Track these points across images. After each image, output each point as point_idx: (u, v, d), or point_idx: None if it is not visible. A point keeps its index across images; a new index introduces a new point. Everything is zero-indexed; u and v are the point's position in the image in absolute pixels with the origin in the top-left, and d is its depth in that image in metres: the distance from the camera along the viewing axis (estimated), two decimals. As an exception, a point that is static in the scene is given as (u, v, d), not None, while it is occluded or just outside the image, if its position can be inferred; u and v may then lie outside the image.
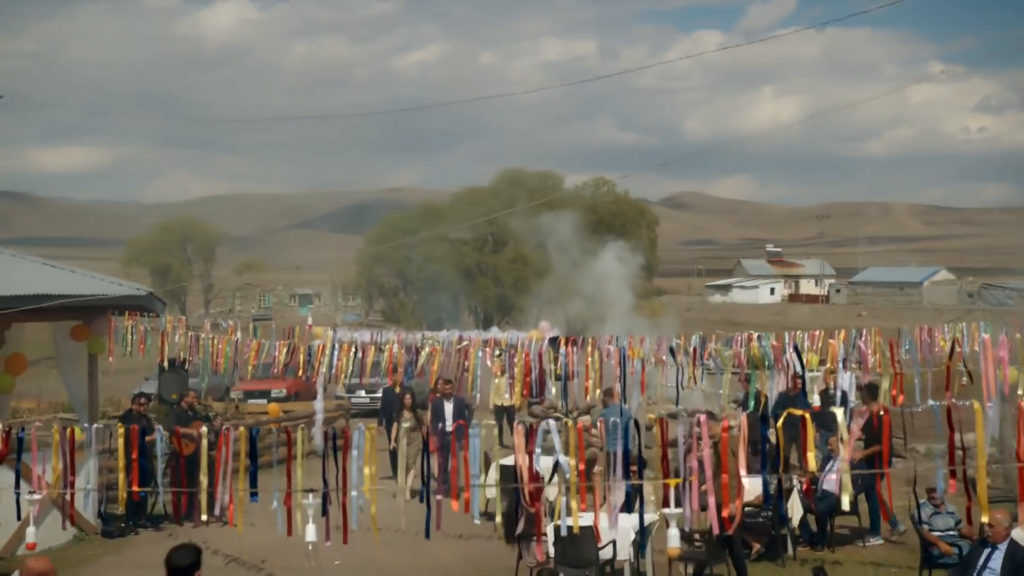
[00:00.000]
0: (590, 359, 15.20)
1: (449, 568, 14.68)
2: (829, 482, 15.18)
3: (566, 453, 6.79)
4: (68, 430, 10.77)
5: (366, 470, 8.16)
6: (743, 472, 6.03)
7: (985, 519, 5.67)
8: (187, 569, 7.54)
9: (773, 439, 16.80)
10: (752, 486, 15.13)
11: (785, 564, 14.19)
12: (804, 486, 15.39)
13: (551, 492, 16.51)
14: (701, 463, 6.84)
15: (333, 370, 13.50)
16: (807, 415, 8.01)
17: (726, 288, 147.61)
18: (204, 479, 9.94)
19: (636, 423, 6.80)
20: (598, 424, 10.11)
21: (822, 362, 20.50)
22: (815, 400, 19.98)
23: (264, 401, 30.49)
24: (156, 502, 17.86)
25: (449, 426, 18.83)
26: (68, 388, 16.95)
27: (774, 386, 19.54)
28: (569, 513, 7.13)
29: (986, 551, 11.01)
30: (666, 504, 6.74)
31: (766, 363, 15.60)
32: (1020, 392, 13.11)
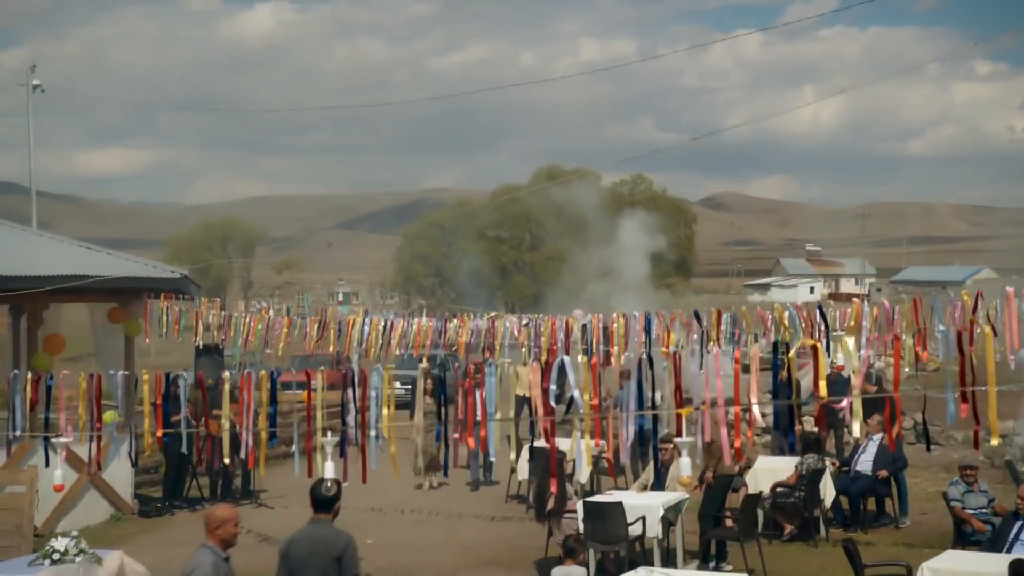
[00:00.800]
0: (615, 328, 15.12)
1: (481, 548, 14.73)
2: (862, 463, 15.10)
3: (581, 390, 6.81)
4: (95, 377, 10.92)
5: (384, 411, 8.21)
6: (755, 402, 6.00)
7: (995, 442, 5.63)
8: (330, 500, 8.15)
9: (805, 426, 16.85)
10: (783, 465, 15.16)
11: (817, 545, 14.12)
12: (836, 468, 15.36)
13: (583, 475, 16.63)
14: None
15: (363, 344, 13.50)
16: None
17: (765, 287, 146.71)
18: (226, 422, 10.01)
19: (650, 360, 6.77)
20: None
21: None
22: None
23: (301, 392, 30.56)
24: (191, 485, 18.09)
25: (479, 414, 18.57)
26: (105, 371, 17.17)
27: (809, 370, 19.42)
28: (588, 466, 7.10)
29: (1018, 523, 10.91)
30: (679, 434, 6.74)
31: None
32: None
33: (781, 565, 13.05)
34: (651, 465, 14.17)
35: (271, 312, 14.62)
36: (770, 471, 15.13)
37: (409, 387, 25.31)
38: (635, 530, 12.49)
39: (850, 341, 23.61)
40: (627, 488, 14.75)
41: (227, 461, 10.22)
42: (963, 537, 12.65)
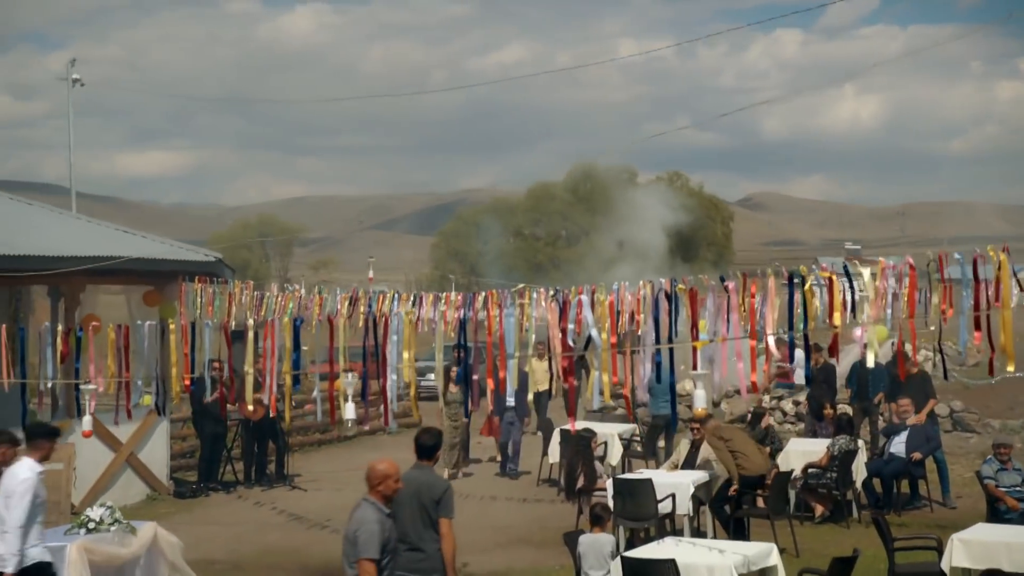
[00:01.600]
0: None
1: (512, 527, 14.79)
2: (895, 445, 14.99)
3: (599, 328, 6.82)
4: (123, 328, 11.08)
5: (404, 354, 8.28)
6: (770, 334, 5.99)
7: (1011, 368, 5.60)
8: (431, 448, 8.74)
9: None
10: (816, 448, 15.09)
11: (849, 526, 14.04)
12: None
13: (614, 457, 16.65)
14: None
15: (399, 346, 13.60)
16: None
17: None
18: (250, 369, 10.13)
19: (667, 295, 6.75)
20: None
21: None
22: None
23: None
24: (226, 469, 18.26)
25: (510, 400, 17.62)
26: (139, 354, 17.40)
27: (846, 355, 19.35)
28: (602, 391, 7.11)
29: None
30: (695, 367, 6.75)
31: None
32: None
33: (812, 544, 12.98)
34: (682, 444, 14.18)
35: (302, 291, 14.73)
36: (802, 453, 15.06)
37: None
38: (665, 508, 12.50)
39: (883, 330, 23.49)
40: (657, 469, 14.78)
41: (250, 408, 10.29)
42: (997, 515, 12.53)
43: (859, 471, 14.60)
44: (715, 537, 12.72)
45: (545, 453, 17.45)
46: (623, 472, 16.01)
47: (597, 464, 14.33)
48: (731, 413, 22.61)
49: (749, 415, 17.14)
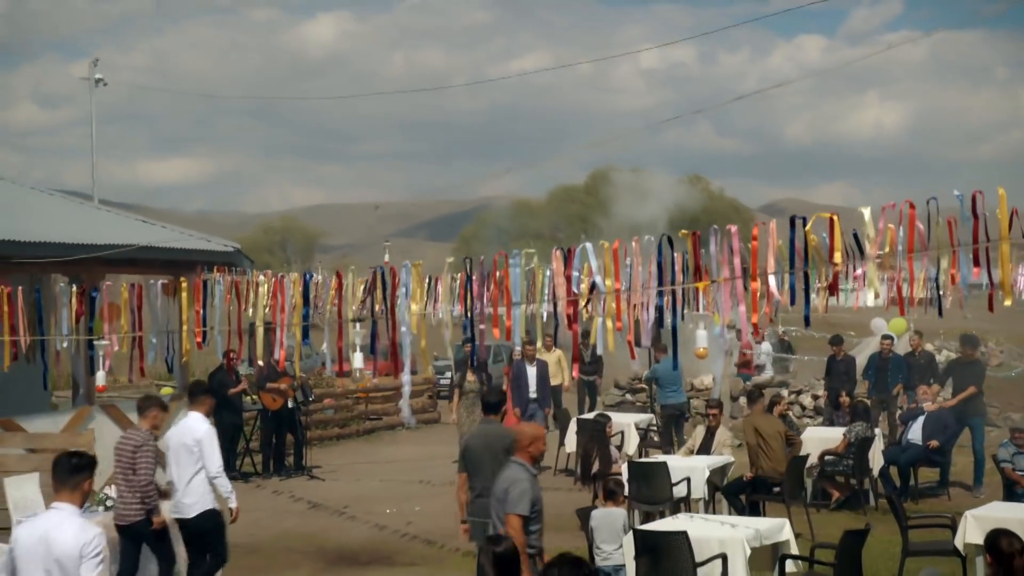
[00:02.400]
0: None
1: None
2: (912, 433, 14.96)
3: (602, 275, 6.85)
4: (136, 287, 11.20)
5: (413, 306, 8.34)
6: (772, 276, 6.00)
7: (1008, 302, 5.60)
8: (496, 405, 9.75)
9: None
10: (833, 435, 15.07)
11: (866, 513, 14.01)
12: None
13: (631, 446, 16.67)
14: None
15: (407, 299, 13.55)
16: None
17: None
18: (260, 328, 10.21)
19: (670, 240, 6.76)
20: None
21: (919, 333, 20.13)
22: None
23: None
24: (244, 461, 18.38)
25: (533, 393, 17.83)
26: (159, 342, 17.55)
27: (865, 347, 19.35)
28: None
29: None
30: (696, 308, 6.79)
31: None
32: None
33: (828, 530, 12.94)
34: (698, 430, 14.20)
35: (319, 276, 14.69)
36: (819, 440, 15.05)
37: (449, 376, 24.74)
38: (679, 491, 12.52)
39: (902, 322, 23.44)
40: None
41: (260, 363, 10.40)
42: (1013, 497, 12.52)
43: (876, 459, 14.58)
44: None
45: (562, 443, 17.49)
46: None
47: (612, 449, 14.36)
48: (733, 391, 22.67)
49: (750, 391, 17.17)
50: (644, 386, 22.80)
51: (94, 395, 16.47)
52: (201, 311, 10.64)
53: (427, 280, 14.24)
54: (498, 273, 7.74)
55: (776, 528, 9.57)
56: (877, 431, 15.06)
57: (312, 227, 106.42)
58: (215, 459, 9.82)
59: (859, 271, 6.02)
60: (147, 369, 12.44)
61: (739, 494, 12.94)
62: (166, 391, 18.68)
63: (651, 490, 12.46)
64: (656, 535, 9.11)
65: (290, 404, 18.40)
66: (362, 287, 13.27)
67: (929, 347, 22.65)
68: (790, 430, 15.37)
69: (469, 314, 8.01)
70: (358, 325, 8.87)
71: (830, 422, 16.97)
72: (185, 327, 10.64)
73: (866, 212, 5.92)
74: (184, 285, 10.73)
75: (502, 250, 7.45)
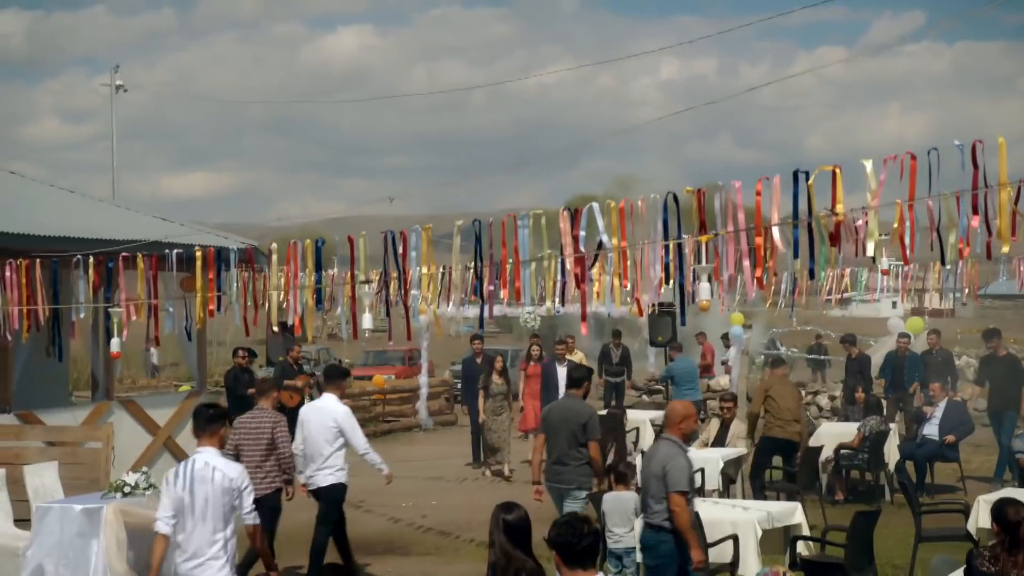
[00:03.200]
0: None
1: (543, 507, 14.77)
2: (928, 428, 14.93)
3: (609, 234, 6.90)
4: (152, 257, 11.31)
5: (423, 269, 8.40)
6: (776, 232, 6.02)
7: (1005, 249, 5.62)
8: (579, 380, 10.36)
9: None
10: (848, 431, 15.06)
11: (881, 508, 13.97)
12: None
13: (646, 441, 16.67)
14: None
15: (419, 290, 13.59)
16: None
17: (845, 302, 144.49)
18: (273, 294, 10.30)
19: (675, 197, 6.78)
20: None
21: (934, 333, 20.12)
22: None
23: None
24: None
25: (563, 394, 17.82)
26: (180, 342, 17.69)
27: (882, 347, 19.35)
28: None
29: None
30: (699, 261, 6.83)
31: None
32: None
33: (842, 522, 12.93)
34: (712, 423, 14.23)
35: (334, 268, 14.78)
36: (834, 436, 15.05)
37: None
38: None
39: (919, 321, 23.40)
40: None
41: (275, 329, 10.51)
42: (1027, 488, 12.49)
43: (891, 453, 14.57)
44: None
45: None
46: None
47: (628, 443, 14.41)
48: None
49: (774, 358, 17.20)
50: (660, 387, 22.83)
51: (113, 390, 16.66)
52: (215, 279, 10.72)
53: (440, 271, 14.38)
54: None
55: (788, 511, 9.60)
56: (892, 426, 15.04)
57: (331, 237, 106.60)
58: (360, 437, 10.69)
59: (860, 221, 6.05)
60: (162, 338, 12.57)
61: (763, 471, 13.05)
62: (184, 388, 18.82)
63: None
64: (668, 516, 9.12)
65: (307, 402, 18.50)
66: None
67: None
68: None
69: (479, 276, 8.05)
70: (367, 287, 8.94)
71: (845, 418, 16.99)
72: (199, 295, 10.72)
73: (868, 164, 5.95)
74: (199, 254, 10.82)
75: (511, 213, 7.49)
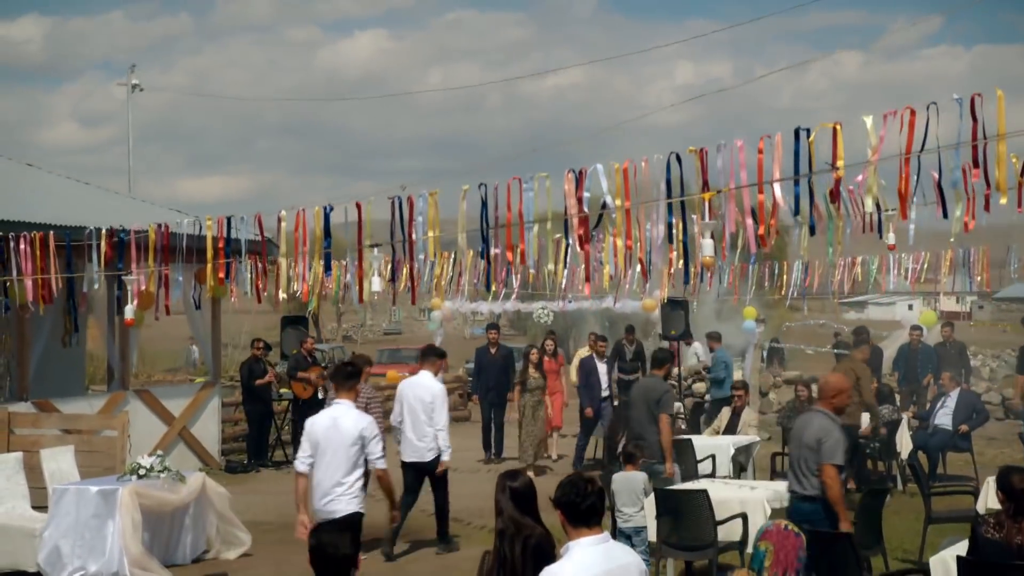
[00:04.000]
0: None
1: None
2: (940, 418, 14.93)
3: (613, 195, 6.94)
4: (163, 226, 11.41)
5: (430, 232, 8.47)
6: (777, 189, 6.06)
7: (1004, 201, 5.66)
8: (662, 360, 11.30)
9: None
10: (861, 421, 15.06)
11: (892, 495, 13.99)
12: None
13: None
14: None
15: (433, 280, 13.61)
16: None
17: (861, 305, 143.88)
18: (283, 261, 10.37)
19: (678, 157, 6.81)
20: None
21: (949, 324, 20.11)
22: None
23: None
24: (275, 453, 18.56)
25: (605, 391, 17.22)
26: (194, 332, 17.83)
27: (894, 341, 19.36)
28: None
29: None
30: (703, 217, 6.87)
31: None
32: None
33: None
34: (724, 411, 14.27)
35: (347, 259, 14.87)
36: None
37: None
38: (704, 468, 12.59)
39: (932, 314, 23.37)
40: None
41: (284, 295, 10.59)
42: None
43: (904, 442, 14.57)
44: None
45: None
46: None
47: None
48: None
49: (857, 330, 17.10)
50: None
51: (129, 380, 16.78)
52: (225, 247, 10.80)
53: (451, 256, 14.44)
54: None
55: (797, 491, 9.61)
56: (904, 415, 15.05)
57: (344, 240, 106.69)
58: (444, 415, 11.22)
59: (860, 176, 6.09)
60: (172, 308, 12.70)
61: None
62: (199, 380, 18.93)
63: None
64: (677, 494, 9.21)
65: (320, 395, 18.59)
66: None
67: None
68: None
69: (485, 240, 8.11)
70: (376, 250, 9.02)
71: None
72: (209, 265, 10.81)
73: (868, 120, 6.00)
74: (209, 223, 10.92)
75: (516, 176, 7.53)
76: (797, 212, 6.32)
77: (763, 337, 24.81)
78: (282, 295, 10.56)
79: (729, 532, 8.86)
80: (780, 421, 16.22)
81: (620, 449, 14.06)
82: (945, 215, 6.24)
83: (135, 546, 10.39)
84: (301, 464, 8.54)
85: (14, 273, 11.19)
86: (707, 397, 18.69)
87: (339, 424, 8.42)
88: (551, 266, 10.11)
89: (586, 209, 6.94)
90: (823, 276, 18.47)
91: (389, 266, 10.99)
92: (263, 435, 18.19)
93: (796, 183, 6.13)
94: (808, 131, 6.03)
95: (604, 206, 7.01)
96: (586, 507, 5.31)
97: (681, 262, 6.96)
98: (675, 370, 19.85)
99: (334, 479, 8.38)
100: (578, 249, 7.26)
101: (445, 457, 11.34)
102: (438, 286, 10.05)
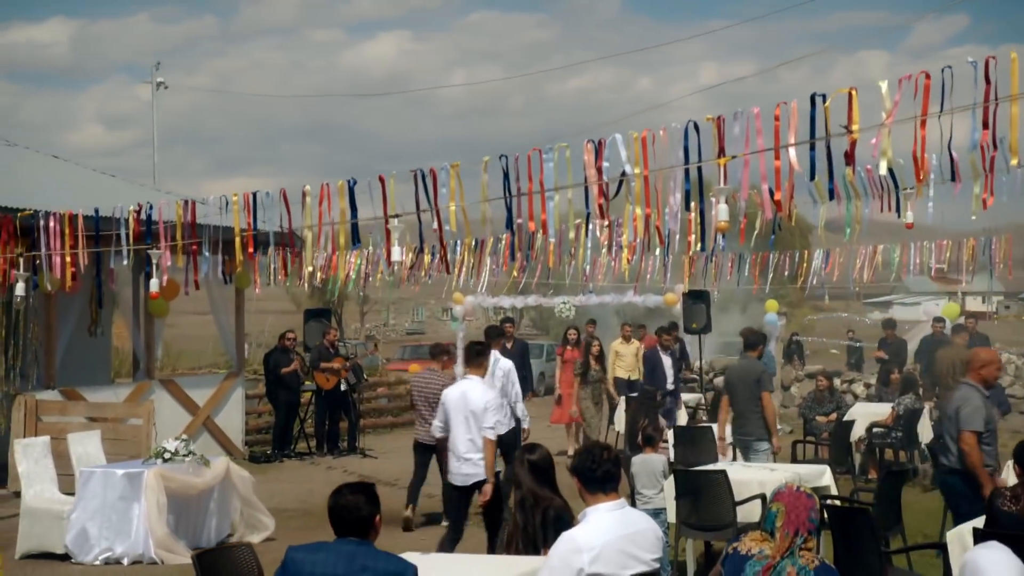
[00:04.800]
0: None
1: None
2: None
3: (632, 164, 6.99)
4: (189, 203, 11.54)
5: (451, 205, 8.53)
6: (792, 153, 6.09)
7: (1015, 162, 5.67)
8: (754, 343, 11.60)
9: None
10: (882, 410, 15.06)
11: (913, 484, 13.97)
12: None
13: (679, 423, 16.73)
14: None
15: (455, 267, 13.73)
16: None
17: (886, 305, 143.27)
18: (308, 233, 10.45)
19: (695, 125, 6.84)
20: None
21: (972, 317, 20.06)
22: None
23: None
24: (298, 444, 18.68)
25: (670, 384, 16.67)
26: (218, 323, 17.98)
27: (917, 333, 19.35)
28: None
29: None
30: (719, 182, 6.92)
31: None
32: None
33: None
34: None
35: (370, 248, 14.99)
36: (868, 415, 15.07)
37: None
38: (725, 455, 12.61)
39: (955, 306, 23.31)
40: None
41: (309, 269, 10.70)
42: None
43: (925, 432, 14.55)
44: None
45: (611, 422, 17.59)
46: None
47: (660, 419, 14.49)
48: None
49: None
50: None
51: (154, 371, 16.94)
52: (252, 222, 10.90)
53: (474, 243, 14.53)
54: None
55: (817, 473, 9.66)
56: (926, 404, 15.02)
57: (368, 239, 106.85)
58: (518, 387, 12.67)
59: (873, 140, 6.12)
60: (200, 283, 12.83)
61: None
62: (222, 371, 19.08)
63: (696, 454, 12.54)
64: (696, 475, 9.26)
65: (343, 387, 18.72)
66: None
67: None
68: (836, 407, 15.48)
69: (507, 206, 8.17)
70: (396, 220, 9.09)
71: (879, 399, 16.99)
72: (237, 239, 10.91)
73: (883, 85, 6.04)
74: (236, 199, 11.02)
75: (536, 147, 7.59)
76: (813, 177, 6.36)
77: (784, 332, 24.71)
78: (307, 269, 10.61)
79: (748, 513, 8.89)
80: (802, 412, 16.23)
81: (639, 440, 14.18)
82: (953, 178, 6.26)
83: (160, 528, 10.52)
84: (437, 430, 9.76)
85: (43, 251, 11.32)
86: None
87: (467, 396, 9.42)
88: (572, 244, 10.14)
89: (605, 179, 7.01)
90: (843, 266, 18.42)
91: (411, 252, 11.04)
92: (289, 425, 18.33)
93: (812, 147, 6.18)
94: (824, 96, 6.08)
95: (623, 175, 7.06)
96: (601, 473, 5.39)
97: (699, 231, 7.00)
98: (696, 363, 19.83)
99: (463, 444, 9.34)
100: (597, 218, 7.32)
101: (491, 436, 10.73)
102: (461, 268, 10.10)
